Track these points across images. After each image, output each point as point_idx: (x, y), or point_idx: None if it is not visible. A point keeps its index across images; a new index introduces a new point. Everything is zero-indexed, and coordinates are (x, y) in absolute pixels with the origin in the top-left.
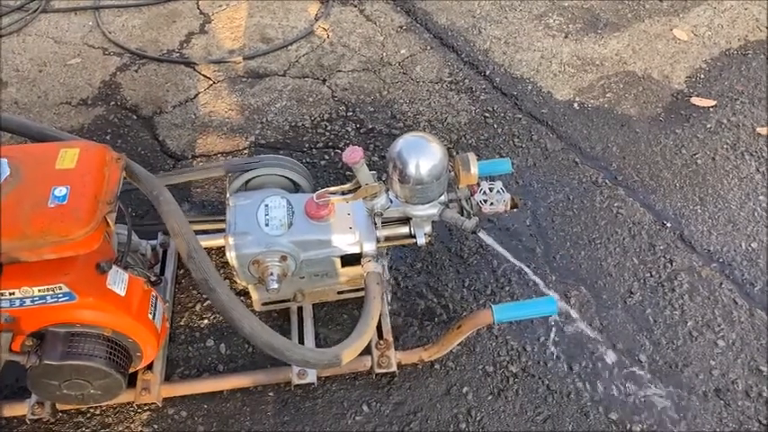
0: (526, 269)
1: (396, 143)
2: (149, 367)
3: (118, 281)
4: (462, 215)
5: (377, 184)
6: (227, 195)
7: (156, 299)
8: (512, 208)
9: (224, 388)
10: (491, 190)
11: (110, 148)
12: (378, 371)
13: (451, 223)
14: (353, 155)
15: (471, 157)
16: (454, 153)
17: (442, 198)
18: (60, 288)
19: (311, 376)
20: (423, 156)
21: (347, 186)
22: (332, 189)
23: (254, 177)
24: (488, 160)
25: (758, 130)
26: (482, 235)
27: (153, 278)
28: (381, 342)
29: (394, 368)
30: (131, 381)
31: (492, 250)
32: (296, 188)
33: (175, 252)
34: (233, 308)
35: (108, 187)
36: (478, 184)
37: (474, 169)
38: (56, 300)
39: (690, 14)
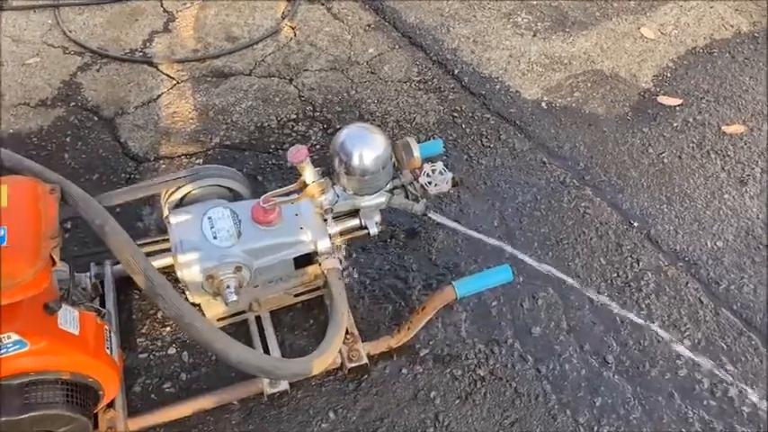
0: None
1: (338, 136)
2: (110, 405)
3: (69, 319)
4: (409, 199)
5: (323, 180)
6: (165, 214)
7: (110, 332)
8: (454, 186)
9: (196, 410)
10: (434, 171)
11: (40, 181)
12: (349, 365)
13: (401, 209)
14: (298, 154)
15: (412, 141)
16: (394, 141)
17: (388, 186)
18: (9, 337)
19: (283, 384)
20: (366, 146)
21: (292, 186)
22: (278, 191)
23: (190, 192)
24: (422, 143)
25: (723, 128)
26: (433, 215)
27: (103, 311)
28: (348, 336)
29: (365, 360)
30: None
31: (452, 234)
32: (233, 196)
33: (112, 279)
34: (217, 339)
35: (46, 221)
36: (421, 168)
37: (417, 153)
38: (6, 350)
39: (657, 13)
